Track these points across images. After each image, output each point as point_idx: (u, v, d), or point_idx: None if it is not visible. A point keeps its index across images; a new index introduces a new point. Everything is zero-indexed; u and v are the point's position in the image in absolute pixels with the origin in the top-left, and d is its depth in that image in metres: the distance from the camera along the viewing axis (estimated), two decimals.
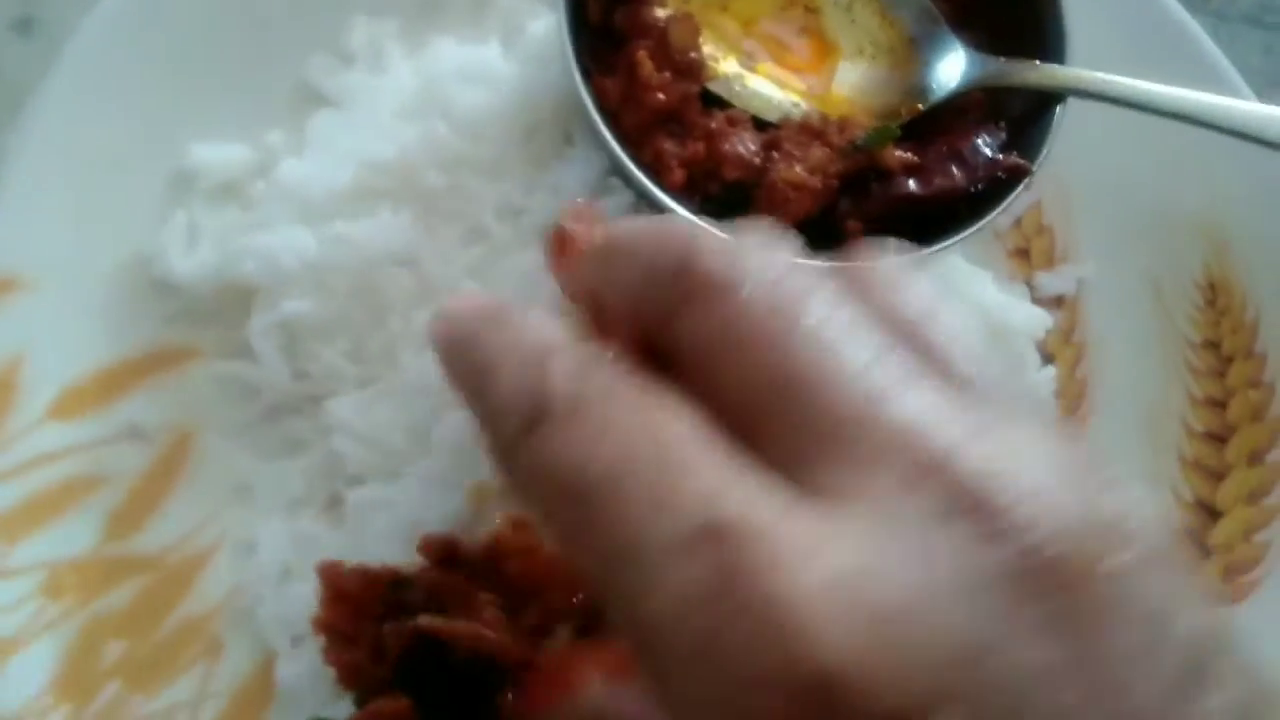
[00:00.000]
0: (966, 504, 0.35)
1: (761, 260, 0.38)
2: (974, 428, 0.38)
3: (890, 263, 0.42)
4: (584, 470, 0.36)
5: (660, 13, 0.72)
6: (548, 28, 0.77)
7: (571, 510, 0.37)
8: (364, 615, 0.58)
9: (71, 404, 0.70)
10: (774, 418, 0.37)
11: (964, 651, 0.33)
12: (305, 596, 0.61)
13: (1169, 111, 0.67)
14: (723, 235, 0.39)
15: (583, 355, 0.38)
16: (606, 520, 0.35)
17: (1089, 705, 0.34)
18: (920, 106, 0.72)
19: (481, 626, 0.56)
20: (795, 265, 0.39)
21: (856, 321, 0.38)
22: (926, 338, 0.39)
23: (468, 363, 0.42)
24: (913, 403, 0.37)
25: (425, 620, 0.56)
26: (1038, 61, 0.70)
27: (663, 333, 0.38)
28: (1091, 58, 0.70)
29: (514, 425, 0.37)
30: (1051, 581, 0.34)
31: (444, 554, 0.60)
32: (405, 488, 0.67)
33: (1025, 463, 0.37)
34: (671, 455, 0.36)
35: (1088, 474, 0.38)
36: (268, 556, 0.69)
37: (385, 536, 0.65)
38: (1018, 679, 0.34)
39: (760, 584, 0.33)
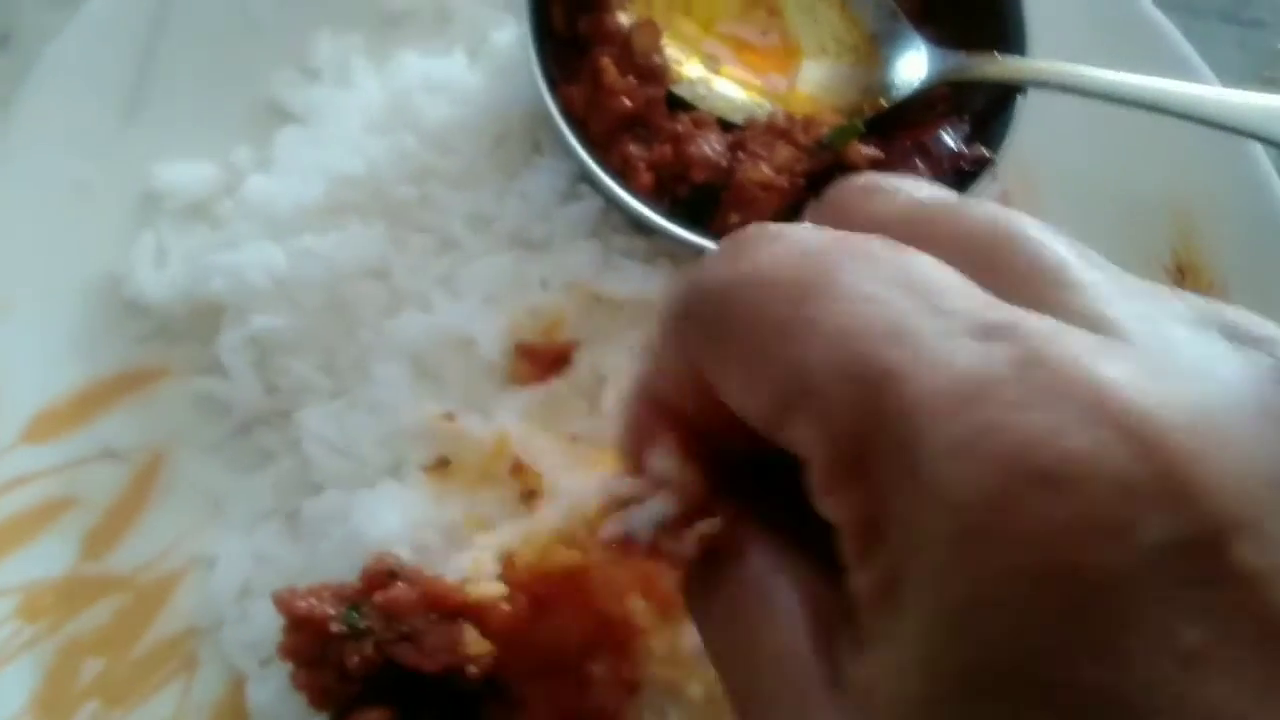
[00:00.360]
0: (1251, 336, 0.32)
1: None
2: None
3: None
4: (809, 264, 0.33)
5: (623, 19, 0.72)
6: (512, 37, 0.77)
7: (787, 307, 0.33)
8: (324, 638, 0.58)
9: (45, 427, 0.70)
10: (1004, 267, 0.34)
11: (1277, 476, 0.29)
12: (268, 616, 0.60)
13: (1129, 100, 0.67)
14: None
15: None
16: (851, 301, 0.32)
17: None
18: (883, 103, 0.73)
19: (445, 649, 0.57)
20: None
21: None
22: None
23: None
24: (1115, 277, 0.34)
25: (400, 650, 0.57)
26: (997, 55, 0.71)
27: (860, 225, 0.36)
28: (1061, 52, 0.71)
29: (715, 259, 0.36)
30: None
31: (382, 583, 0.60)
32: (359, 499, 0.67)
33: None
34: (920, 265, 0.33)
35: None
36: (226, 576, 0.69)
37: (339, 551, 0.65)
38: None
39: (1080, 366, 0.29)
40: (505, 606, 0.60)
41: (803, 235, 0.35)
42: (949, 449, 0.29)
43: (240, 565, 0.69)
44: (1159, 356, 0.31)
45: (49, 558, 0.68)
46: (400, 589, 0.60)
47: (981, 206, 0.36)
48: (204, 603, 0.69)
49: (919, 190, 0.38)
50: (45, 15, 0.83)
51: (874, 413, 0.31)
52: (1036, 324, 0.31)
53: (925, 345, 0.31)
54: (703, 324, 0.36)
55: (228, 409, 0.73)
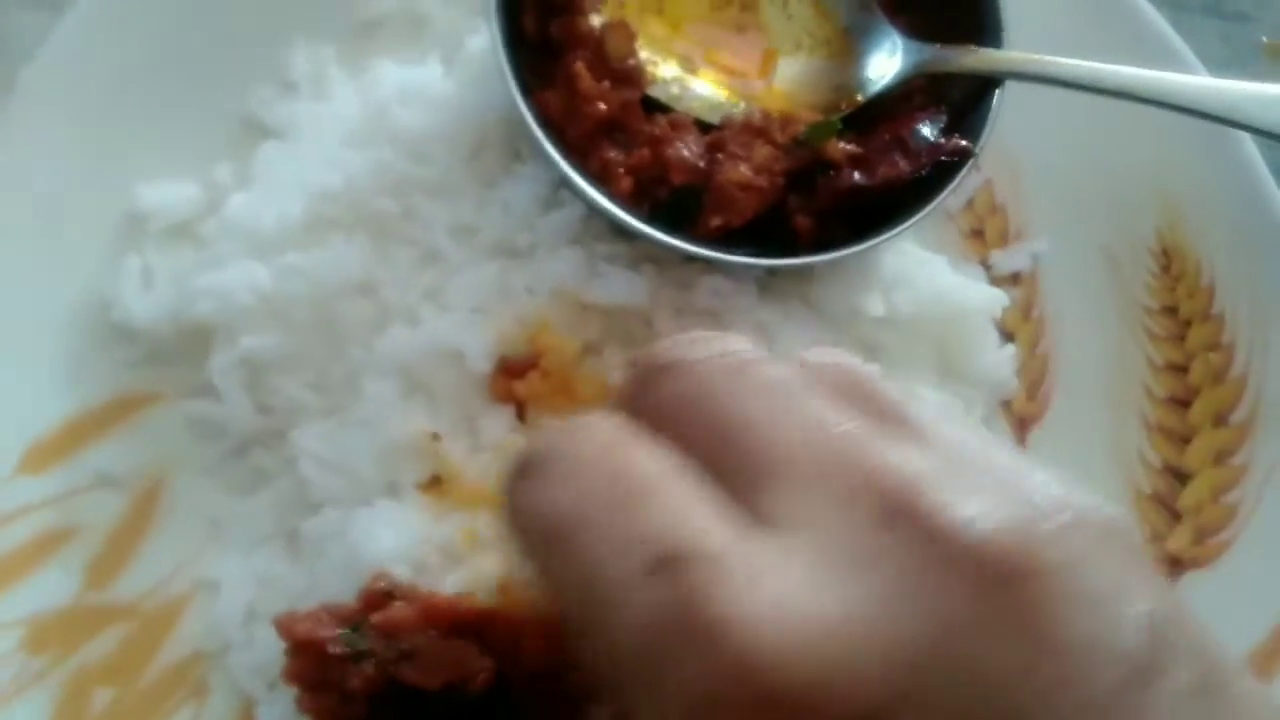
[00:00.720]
0: (904, 509, 0.37)
1: (707, 343, 0.45)
2: (907, 447, 0.40)
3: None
4: (553, 511, 0.41)
5: (595, 21, 0.71)
6: (486, 43, 0.76)
7: (547, 550, 0.41)
8: (326, 661, 0.59)
9: (40, 457, 0.71)
10: (727, 457, 0.41)
11: (916, 653, 0.35)
12: (273, 640, 0.61)
13: (1108, 90, 0.67)
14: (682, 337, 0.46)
15: (579, 422, 0.44)
16: (575, 556, 0.39)
17: (1047, 697, 0.35)
18: (860, 98, 0.72)
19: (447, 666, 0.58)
20: (737, 343, 0.45)
21: (789, 378, 0.43)
22: (861, 386, 0.43)
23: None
24: (846, 429, 0.41)
25: (401, 669, 0.58)
26: (973, 46, 0.70)
27: (643, 407, 0.44)
28: (1046, 43, 0.70)
29: (509, 478, 0.43)
30: (998, 575, 0.35)
31: (380, 603, 0.61)
32: (357, 518, 0.68)
33: (962, 469, 0.39)
34: (635, 490, 0.40)
35: (1029, 475, 0.40)
36: (230, 599, 0.70)
37: (339, 571, 0.66)
38: (973, 676, 0.35)
39: (711, 608, 0.35)
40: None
41: (562, 467, 0.42)
42: (646, 686, 0.36)
43: (243, 589, 0.70)
44: (819, 564, 0.37)
45: (52, 589, 0.69)
46: (398, 608, 0.61)
47: (739, 393, 0.43)
48: (210, 628, 0.70)
49: (705, 369, 0.44)
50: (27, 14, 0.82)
51: (600, 654, 0.38)
52: (706, 556, 0.37)
53: (616, 596, 0.37)
54: (516, 540, 0.44)
55: (222, 431, 0.74)
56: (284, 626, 0.61)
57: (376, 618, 0.60)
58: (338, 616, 0.61)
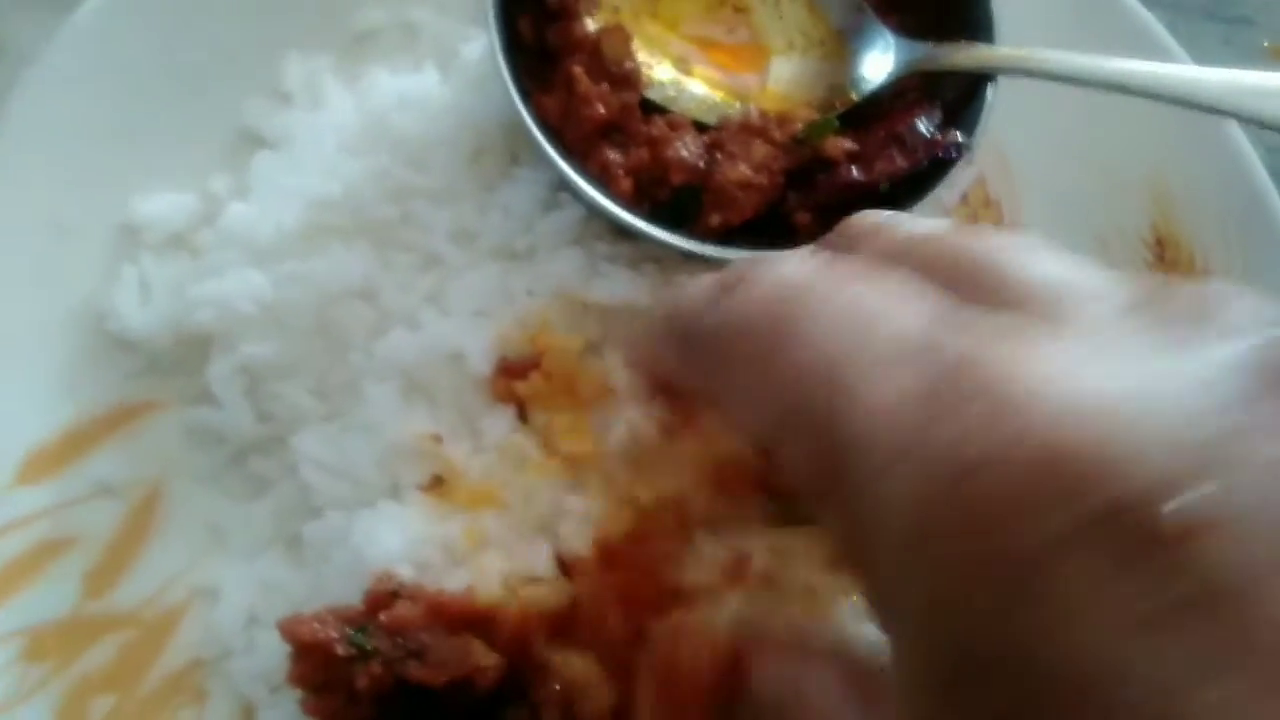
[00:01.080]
0: (1190, 311, 0.35)
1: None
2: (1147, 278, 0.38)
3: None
4: (774, 306, 0.38)
5: (591, 25, 0.72)
6: (481, 50, 0.77)
7: (756, 345, 0.39)
8: (332, 662, 0.58)
9: (39, 467, 0.70)
10: (979, 286, 0.37)
11: (1215, 433, 0.31)
12: (275, 644, 0.61)
13: (1099, 83, 0.68)
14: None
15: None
16: (806, 343, 0.37)
17: None
18: (853, 97, 0.73)
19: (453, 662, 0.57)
20: None
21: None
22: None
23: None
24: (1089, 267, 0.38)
25: (408, 667, 0.57)
26: (964, 43, 0.71)
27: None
28: (1040, 42, 0.71)
29: (697, 299, 0.42)
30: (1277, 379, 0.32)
31: (386, 603, 0.60)
32: (359, 520, 0.67)
33: (1224, 294, 0.36)
34: (877, 294, 0.38)
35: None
36: (232, 606, 0.69)
37: (342, 574, 0.65)
38: (1259, 470, 0.31)
39: (989, 366, 0.33)
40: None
41: (779, 276, 0.40)
42: (884, 466, 0.33)
43: (245, 594, 0.69)
44: (1101, 344, 0.34)
45: (51, 599, 0.68)
46: (404, 606, 0.60)
47: (963, 233, 0.40)
48: (210, 634, 0.69)
49: (916, 225, 0.42)
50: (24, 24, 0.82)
51: (828, 440, 0.35)
52: (970, 333, 0.35)
53: (862, 375, 0.35)
54: (700, 357, 0.42)
55: (222, 439, 0.73)
56: (288, 630, 0.60)
57: (384, 616, 0.60)
58: (342, 618, 0.61)
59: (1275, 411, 0.32)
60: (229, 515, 0.72)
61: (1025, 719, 0.31)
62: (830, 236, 0.46)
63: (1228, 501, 0.30)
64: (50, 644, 0.67)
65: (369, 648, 0.59)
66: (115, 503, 0.71)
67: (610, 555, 0.58)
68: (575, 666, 0.57)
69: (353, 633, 0.59)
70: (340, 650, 0.59)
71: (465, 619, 0.60)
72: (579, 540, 0.61)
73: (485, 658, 0.59)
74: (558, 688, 0.57)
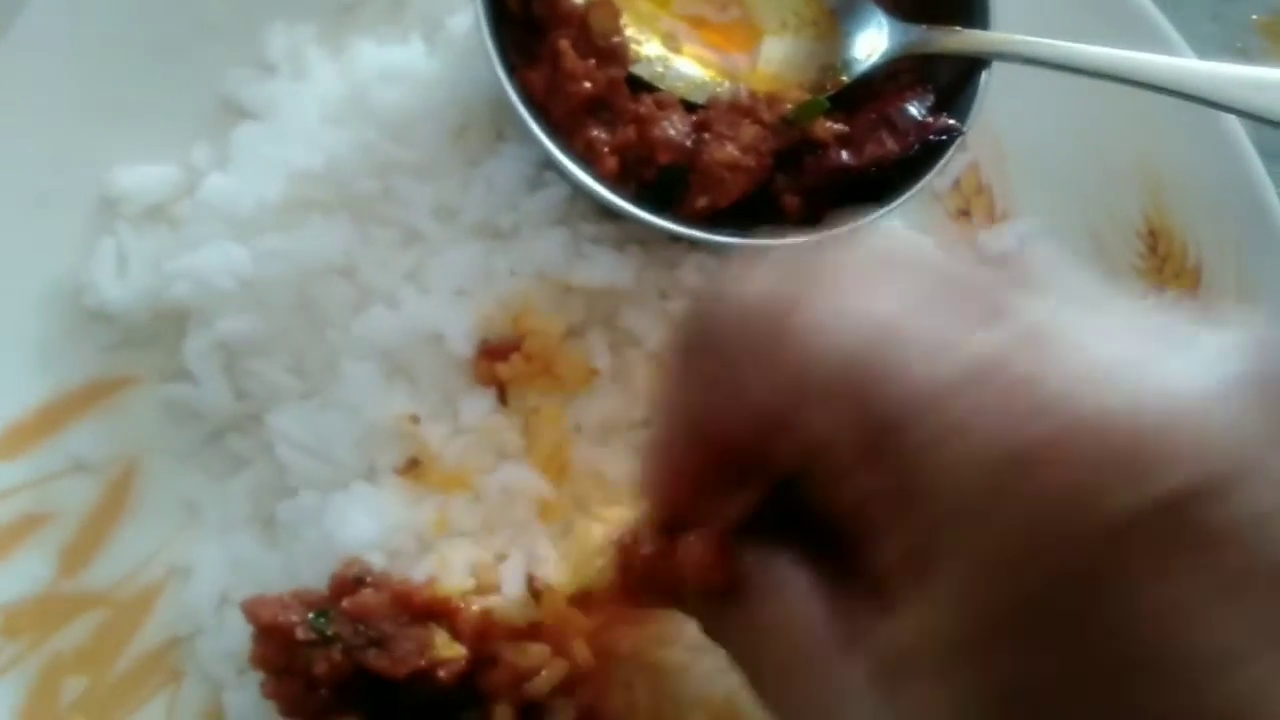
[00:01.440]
0: (1226, 319, 0.36)
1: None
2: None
3: None
4: (797, 283, 0.38)
5: None
6: (468, 22, 0.75)
7: (780, 323, 0.38)
8: (293, 646, 0.58)
9: (13, 442, 0.69)
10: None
11: (1266, 436, 0.33)
12: (245, 625, 0.60)
13: (1093, 71, 0.67)
14: None
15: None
16: (840, 312, 0.37)
17: None
18: (845, 79, 0.72)
19: (412, 653, 0.57)
20: None
21: None
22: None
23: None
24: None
25: (368, 656, 0.57)
26: (959, 28, 0.70)
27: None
28: (1034, 25, 0.70)
29: (709, 299, 0.42)
30: None
31: (350, 589, 0.60)
32: (332, 502, 0.67)
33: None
34: (906, 279, 0.38)
35: None
36: (203, 583, 0.68)
37: (314, 556, 0.65)
38: None
39: (1053, 347, 0.34)
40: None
41: (787, 261, 0.40)
42: (937, 438, 0.34)
43: (217, 573, 0.69)
44: (1151, 338, 0.35)
45: (26, 575, 0.68)
46: (368, 594, 0.60)
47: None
48: (182, 611, 0.69)
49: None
50: None
51: (866, 414, 0.36)
52: (1031, 309, 0.35)
53: (911, 339, 0.35)
54: (711, 347, 0.41)
55: (198, 415, 0.72)
56: (251, 610, 0.60)
57: (346, 603, 0.59)
58: (307, 602, 0.60)
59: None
60: (206, 493, 0.71)
61: (1082, 673, 0.33)
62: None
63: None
64: (25, 620, 0.66)
65: (329, 633, 0.58)
66: (91, 479, 0.71)
67: (587, 601, 0.57)
68: (530, 654, 0.57)
69: (313, 617, 0.59)
70: (301, 634, 0.58)
71: (429, 610, 0.59)
72: (550, 566, 0.60)
73: (448, 649, 0.58)
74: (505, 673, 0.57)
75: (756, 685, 0.43)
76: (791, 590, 0.41)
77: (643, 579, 0.45)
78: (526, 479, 0.67)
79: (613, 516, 0.64)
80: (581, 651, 0.56)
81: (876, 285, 0.38)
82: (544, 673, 0.56)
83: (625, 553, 0.47)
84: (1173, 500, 0.32)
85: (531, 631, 0.59)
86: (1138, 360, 0.34)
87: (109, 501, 0.70)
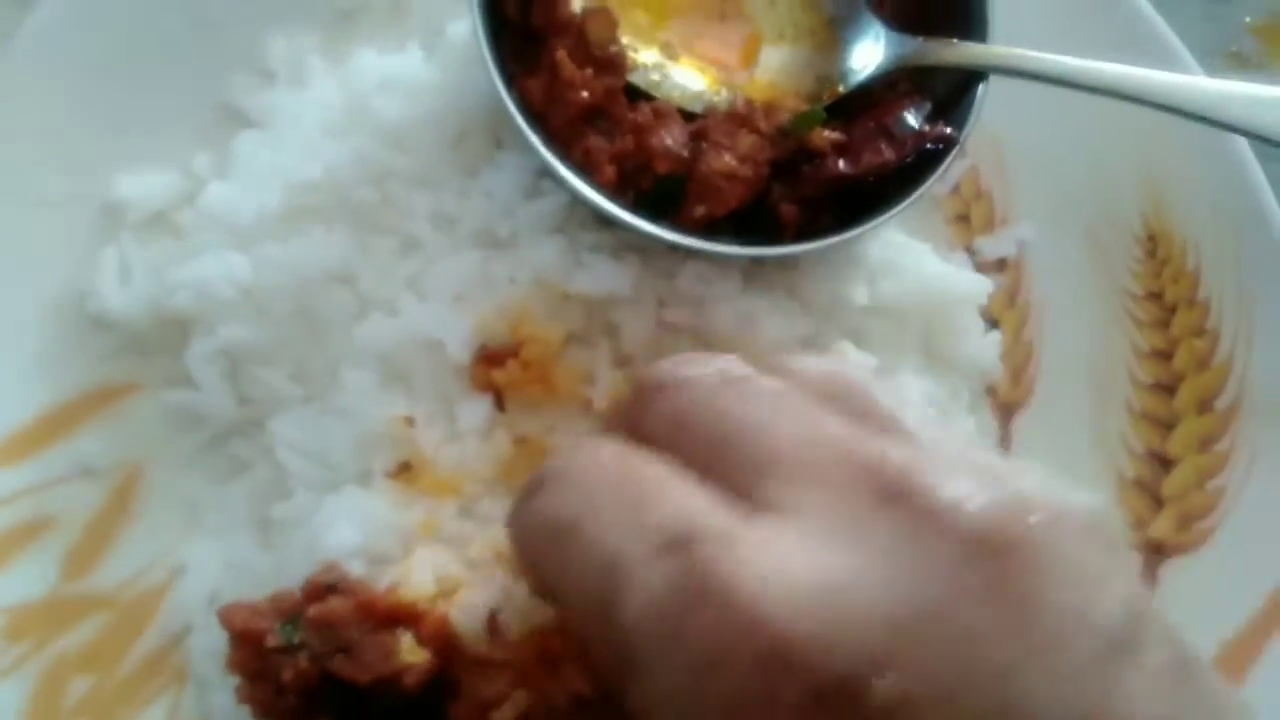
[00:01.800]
0: (897, 491, 0.40)
1: (699, 362, 0.49)
2: (897, 440, 0.44)
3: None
4: (566, 509, 0.45)
5: (576, 7, 0.71)
6: (467, 30, 0.75)
7: (556, 548, 0.45)
8: (263, 652, 0.59)
9: (17, 448, 0.70)
10: (725, 459, 0.44)
11: (908, 616, 0.37)
12: None
13: (1090, 86, 0.67)
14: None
15: (581, 443, 0.50)
16: (588, 547, 0.43)
17: (1031, 660, 0.37)
18: (840, 89, 0.72)
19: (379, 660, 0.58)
20: (728, 361, 0.49)
21: (781, 387, 0.47)
22: (851, 394, 0.47)
23: None
24: (838, 430, 0.44)
25: (334, 663, 0.58)
26: (956, 40, 0.70)
27: (642, 424, 0.48)
28: (1035, 33, 0.70)
29: (517, 502, 0.48)
30: (985, 547, 0.38)
31: (319, 596, 0.61)
32: (320, 505, 0.67)
33: (950, 459, 0.43)
34: (642, 486, 0.44)
35: (1015, 474, 0.43)
36: (195, 583, 0.69)
37: (302, 559, 0.65)
38: (958, 642, 0.37)
39: (720, 575, 0.39)
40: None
41: (564, 476, 0.47)
42: (656, 659, 0.40)
43: (210, 572, 0.70)
44: (819, 537, 0.40)
45: (30, 579, 0.69)
46: (334, 602, 0.61)
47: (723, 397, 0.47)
48: (174, 609, 0.70)
49: (699, 385, 0.48)
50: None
51: (615, 633, 0.41)
52: (713, 532, 0.41)
53: (631, 573, 0.41)
54: (522, 554, 0.50)
55: (201, 421, 0.73)
56: (225, 615, 0.61)
57: (311, 611, 0.60)
58: (281, 608, 0.61)
59: (979, 581, 0.38)
60: (207, 498, 0.72)
61: None
62: (631, 397, 0.51)
63: (924, 675, 0.37)
64: (28, 624, 0.67)
65: (295, 640, 0.59)
66: (95, 484, 0.72)
67: (547, 648, 0.58)
68: (494, 682, 0.58)
69: (282, 624, 0.60)
70: (270, 641, 0.59)
71: (394, 616, 0.60)
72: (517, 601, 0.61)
73: (413, 655, 0.59)
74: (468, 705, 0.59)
75: None
76: None
77: None
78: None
79: None
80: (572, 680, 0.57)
81: (625, 494, 0.44)
82: (508, 704, 0.57)
83: None
84: (819, 694, 0.37)
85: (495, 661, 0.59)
86: (804, 558, 0.39)
87: (113, 506, 0.71)
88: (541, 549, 0.46)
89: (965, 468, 0.42)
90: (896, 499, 0.40)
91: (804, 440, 0.43)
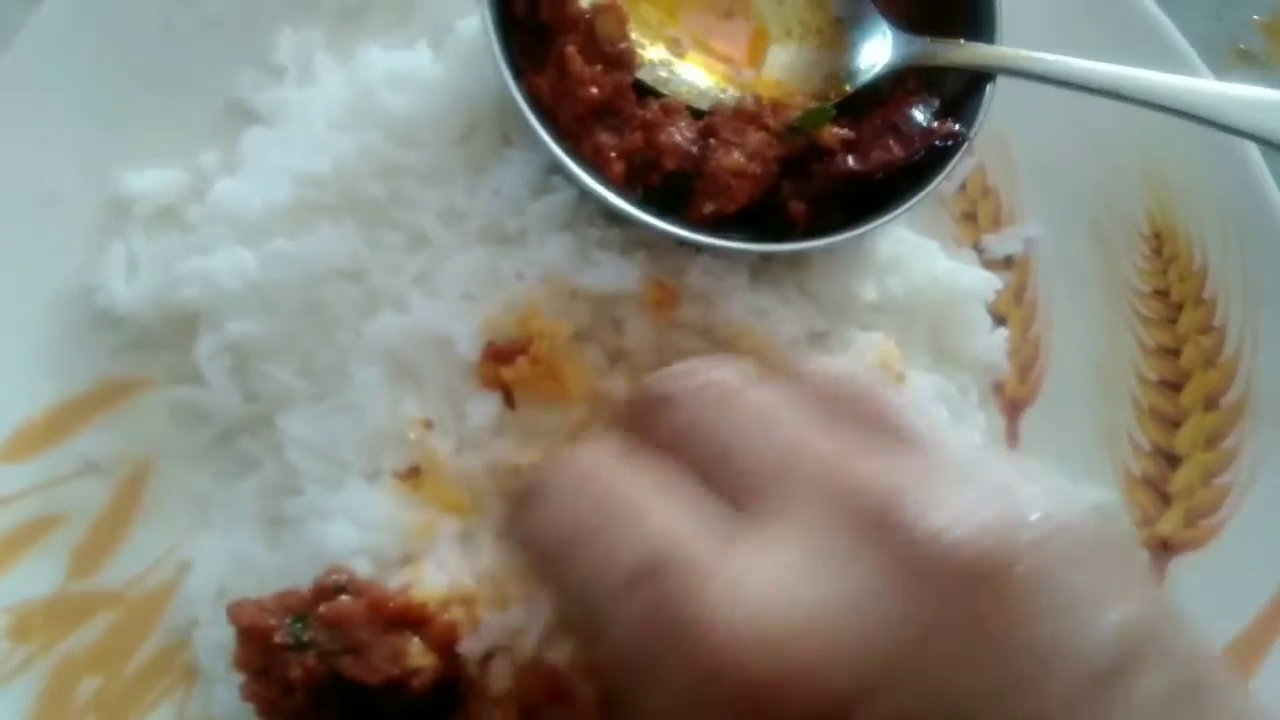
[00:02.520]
0: (880, 518, 0.40)
1: (698, 373, 0.49)
2: (891, 458, 0.43)
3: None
4: (546, 535, 0.45)
5: (585, 3, 0.71)
6: (476, 26, 0.75)
7: (545, 571, 0.45)
8: (270, 649, 0.59)
9: (25, 444, 0.70)
10: (719, 476, 0.44)
11: (882, 653, 0.37)
12: None
13: (1097, 88, 0.67)
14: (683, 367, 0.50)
15: (572, 451, 0.50)
16: (569, 574, 0.43)
17: (1009, 693, 0.37)
18: (848, 89, 0.72)
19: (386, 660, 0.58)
20: (726, 372, 0.48)
21: (776, 401, 0.47)
22: (855, 398, 0.47)
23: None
24: (826, 447, 0.44)
25: (343, 663, 0.58)
26: (963, 40, 0.70)
27: (642, 435, 0.48)
28: (1045, 34, 0.70)
29: (511, 510, 0.48)
30: (963, 581, 0.38)
31: (329, 595, 0.61)
32: (328, 504, 0.67)
33: (949, 478, 0.42)
34: (619, 509, 0.43)
35: (1018, 485, 0.42)
36: (202, 578, 0.69)
37: (308, 557, 0.65)
38: (937, 673, 0.37)
39: (689, 609, 0.39)
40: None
41: (550, 496, 0.46)
42: (638, 688, 0.40)
43: (217, 568, 0.70)
44: (797, 569, 0.39)
45: (37, 577, 0.69)
46: (345, 601, 0.61)
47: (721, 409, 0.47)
48: (181, 604, 0.70)
49: (696, 396, 0.48)
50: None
51: (604, 653, 0.42)
52: (687, 563, 0.40)
53: (606, 604, 0.41)
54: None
55: (209, 417, 0.73)
56: (233, 612, 0.61)
57: (322, 609, 0.60)
58: (289, 606, 0.61)
59: (956, 616, 0.37)
60: (215, 495, 0.72)
61: None
62: (630, 408, 0.51)
63: (904, 709, 0.37)
64: (36, 622, 0.67)
65: (305, 639, 0.59)
66: (102, 480, 0.71)
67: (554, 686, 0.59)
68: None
69: (291, 622, 0.59)
70: (278, 638, 0.59)
71: (403, 618, 0.60)
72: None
73: (422, 658, 0.59)
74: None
75: None
76: None
77: None
78: None
79: None
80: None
81: (621, 497, 0.44)
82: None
83: None
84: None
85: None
86: (780, 592, 0.39)
87: (120, 503, 0.71)
88: (534, 567, 0.47)
89: (964, 483, 0.41)
90: (879, 527, 0.39)
91: (790, 461, 0.43)
